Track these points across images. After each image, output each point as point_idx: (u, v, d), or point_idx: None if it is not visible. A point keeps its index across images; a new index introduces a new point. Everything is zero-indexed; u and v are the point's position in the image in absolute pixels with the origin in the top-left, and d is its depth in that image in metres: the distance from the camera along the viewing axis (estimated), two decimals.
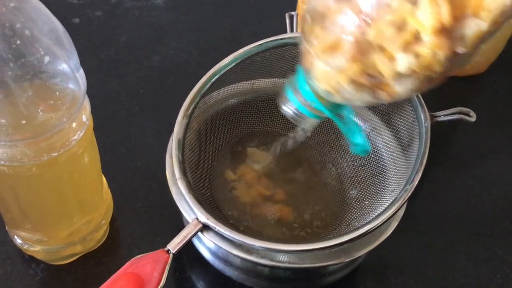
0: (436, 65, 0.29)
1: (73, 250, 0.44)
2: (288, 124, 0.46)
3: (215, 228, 0.36)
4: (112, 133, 0.53)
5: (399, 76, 0.30)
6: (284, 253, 0.37)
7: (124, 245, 0.46)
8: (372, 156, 0.46)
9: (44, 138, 0.33)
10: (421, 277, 0.46)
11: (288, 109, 0.38)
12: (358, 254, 0.38)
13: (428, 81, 0.31)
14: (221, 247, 0.37)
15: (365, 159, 0.46)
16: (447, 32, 0.28)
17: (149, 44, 0.62)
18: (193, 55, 0.61)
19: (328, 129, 0.49)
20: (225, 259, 0.42)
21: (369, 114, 0.46)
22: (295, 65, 0.37)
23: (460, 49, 0.29)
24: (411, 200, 0.38)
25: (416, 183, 0.38)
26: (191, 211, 0.38)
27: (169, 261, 0.35)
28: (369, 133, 0.46)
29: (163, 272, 0.35)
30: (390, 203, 0.38)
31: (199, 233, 0.37)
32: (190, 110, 0.42)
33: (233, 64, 0.44)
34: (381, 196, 0.42)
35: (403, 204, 0.38)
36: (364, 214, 0.42)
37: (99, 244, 0.45)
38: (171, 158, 0.40)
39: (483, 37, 0.28)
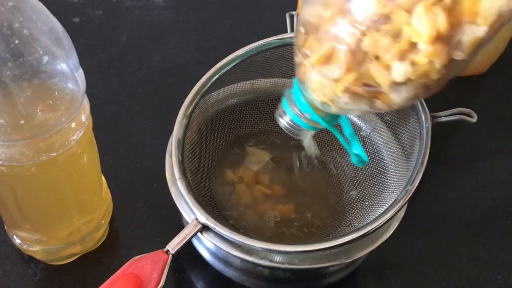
0: (433, 73, 0.29)
1: (73, 250, 0.43)
2: None
3: (215, 228, 0.36)
4: (112, 133, 0.53)
5: (395, 84, 0.30)
6: (284, 254, 0.37)
7: (124, 246, 0.46)
8: (373, 156, 0.46)
9: (43, 138, 0.33)
10: (421, 278, 0.46)
11: (284, 121, 0.38)
12: (359, 255, 0.38)
13: (425, 89, 0.31)
14: (220, 248, 0.37)
15: None
16: (443, 39, 0.28)
17: (149, 43, 0.62)
18: (193, 54, 0.61)
19: (329, 130, 0.48)
20: (225, 260, 0.42)
21: (369, 114, 0.46)
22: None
23: (458, 56, 0.28)
24: (411, 200, 0.38)
25: (417, 184, 0.38)
26: (191, 212, 0.38)
27: (169, 262, 0.35)
28: (370, 133, 0.46)
29: (162, 273, 0.35)
30: (391, 204, 0.38)
31: (199, 234, 0.37)
32: (190, 110, 0.42)
33: (233, 64, 0.44)
34: (381, 196, 0.42)
35: (403, 205, 0.38)
36: (364, 215, 0.42)
37: (99, 244, 0.45)
38: (171, 158, 0.40)
39: (480, 43, 0.28)
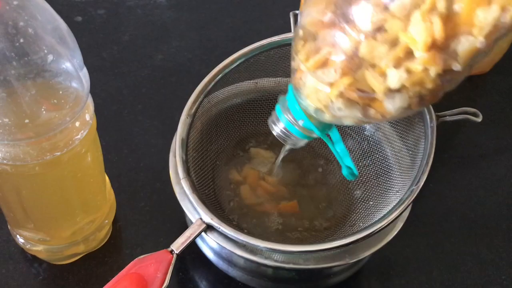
0: (427, 81, 0.29)
1: (76, 250, 0.43)
2: None
3: (219, 228, 0.36)
4: (115, 132, 0.53)
5: (390, 92, 0.30)
6: (288, 254, 0.37)
7: (127, 245, 0.46)
8: (377, 156, 0.45)
9: (47, 137, 0.33)
10: (426, 278, 0.45)
11: (278, 128, 0.38)
12: (363, 255, 0.38)
13: (419, 99, 0.31)
14: (224, 248, 0.37)
15: (370, 159, 0.46)
16: (439, 48, 0.28)
17: (152, 42, 0.62)
18: (196, 54, 0.61)
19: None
20: (229, 260, 0.42)
21: None
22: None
23: (453, 66, 0.29)
24: (415, 200, 0.38)
25: (422, 183, 0.38)
26: (195, 211, 0.37)
27: (173, 262, 0.35)
28: (374, 132, 0.46)
29: (166, 273, 0.34)
30: (396, 204, 0.38)
31: (203, 233, 0.37)
32: (193, 109, 0.42)
33: (236, 63, 0.44)
34: (386, 196, 0.42)
35: (409, 205, 0.38)
36: (369, 215, 0.42)
37: (102, 244, 0.45)
38: (175, 157, 0.40)
39: (476, 54, 0.28)
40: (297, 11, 0.47)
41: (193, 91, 0.43)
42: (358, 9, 0.29)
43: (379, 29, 0.29)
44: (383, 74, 0.30)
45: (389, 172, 0.44)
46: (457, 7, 0.27)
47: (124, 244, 0.46)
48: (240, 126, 0.48)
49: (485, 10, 0.27)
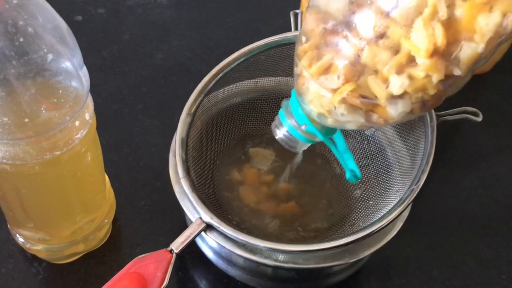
0: (429, 87, 0.30)
1: (76, 249, 0.43)
2: None
3: (219, 227, 0.36)
4: (115, 132, 0.53)
5: (392, 97, 0.30)
6: (288, 254, 0.37)
7: (127, 245, 0.46)
8: (377, 155, 0.45)
9: (47, 136, 0.33)
10: (425, 277, 0.45)
11: (281, 133, 0.38)
12: (363, 255, 0.38)
13: (422, 105, 0.31)
14: (224, 247, 0.37)
15: (370, 159, 0.46)
16: (440, 54, 0.28)
17: (152, 42, 0.62)
18: (197, 53, 0.61)
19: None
20: (229, 259, 0.42)
21: None
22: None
23: (455, 72, 0.29)
24: (415, 200, 0.38)
25: (422, 183, 0.38)
26: (195, 211, 0.37)
27: (173, 261, 0.35)
28: (374, 132, 0.46)
29: (166, 272, 0.34)
30: (396, 204, 0.38)
31: (202, 233, 0.37)
32: (193, 109, 0.42)
33: (237, 63, 0.44)
34: (386, 196, 0.42)
35: (408, 205, 0.38)
36: (368, 214, 0.42)
37: (102, 243, 0.45)
38: (175, 157, 0.40)
39: (477, 60, 0.29)
40: (297, 10, 0.47)
41: (193, 90, 0.43)
42: (360, 16, 0.29)
43: (382, 35, 0.29)
44: (386, 81, 0.30)
45: (389, 172, 0.44)
46: (459, 13, 0.27)
47: (124, 243, 0.46)
48: (240, 126, 0.48)
49: (486, 17, 0.27)
